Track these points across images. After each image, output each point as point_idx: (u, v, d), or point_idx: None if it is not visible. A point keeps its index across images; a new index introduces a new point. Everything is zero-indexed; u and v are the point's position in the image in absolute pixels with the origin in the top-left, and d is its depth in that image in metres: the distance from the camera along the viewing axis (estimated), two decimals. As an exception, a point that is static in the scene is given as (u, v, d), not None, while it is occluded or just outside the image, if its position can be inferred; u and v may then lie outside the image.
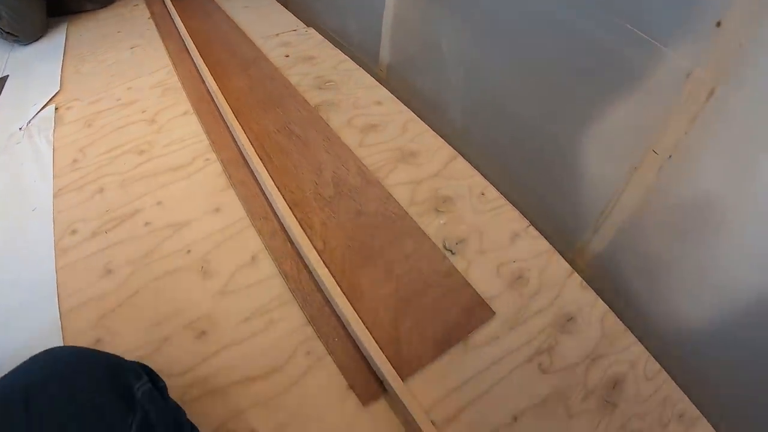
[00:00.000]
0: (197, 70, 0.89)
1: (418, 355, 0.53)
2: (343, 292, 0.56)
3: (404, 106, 0.83)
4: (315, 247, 0.60)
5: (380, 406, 0.50)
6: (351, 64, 0.90)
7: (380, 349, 0.51)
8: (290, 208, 0.64)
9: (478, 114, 0.87)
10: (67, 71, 0.99)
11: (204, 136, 0.77)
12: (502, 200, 0.70)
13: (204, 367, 0.52)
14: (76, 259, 0.63)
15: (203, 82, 0.86)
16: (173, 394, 0.49)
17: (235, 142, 0.75)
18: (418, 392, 0.50)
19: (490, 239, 0.65)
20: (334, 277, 0.57)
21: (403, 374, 0.50)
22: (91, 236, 0.66)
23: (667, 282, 0.61)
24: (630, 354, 0.55)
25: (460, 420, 0.49)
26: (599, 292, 0.62)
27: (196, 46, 0.93)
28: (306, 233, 0.62)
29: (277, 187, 0.66)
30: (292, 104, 0.82)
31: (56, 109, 0.89)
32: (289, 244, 0.62)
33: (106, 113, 0.85)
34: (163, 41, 1.03)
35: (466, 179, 0.73)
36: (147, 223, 0.66)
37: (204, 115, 0.81)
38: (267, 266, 0.61)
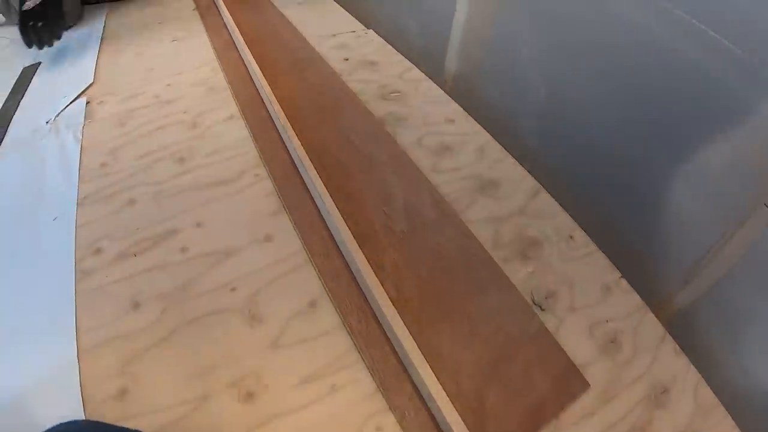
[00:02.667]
0: (246, 68, 0.80)
1: (509, 438, 0.43)
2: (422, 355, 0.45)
3: (478, 125, 0.72)
4: (388, 295, 0.49)
5: None
6: (417, 73, 0.80)
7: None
8: (358, 244, 0.54)
9: (557, 139, 0.76)
10: (102, 63, 0.91)
11: (252, 146, 0.68)
12: (592, 246, 0.59)
13: (251, 440, 0.42)
14: (98, 284, 0.54)
15: (252, 82, 0.77)
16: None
17: (289, 155, 0.65)
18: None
19: (581, 293, 0.54)
20: (410, 334, 0.47)
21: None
22: (117, 258, 0.56)
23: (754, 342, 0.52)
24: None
25: None
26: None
27: (245, 41, 0.83)
28: (377, 276, 0.51)
29: (342, 217, 0.55)
30: (353, 114, 0.72)
31: (87, 102, 0.80)
32: (355, 289, 0.52)
33: (142, 111, 0.76)
34: (208, 34, 0.95)
35: (552, 218, 0.62)
36: (183, 249, 0.56)
37: (253, 121, 0.71)
38: (328, 316, 0.51)
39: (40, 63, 1.01)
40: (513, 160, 0.68)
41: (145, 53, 0.92)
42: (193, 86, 0.79)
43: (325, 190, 0.58)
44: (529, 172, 0.69)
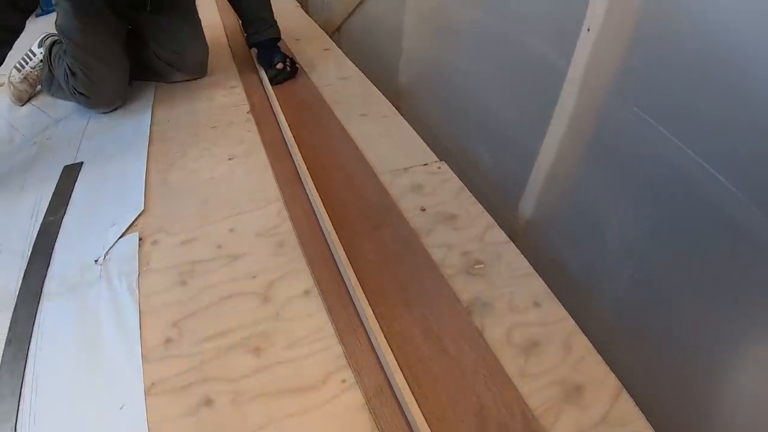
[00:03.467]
0: (315, 215, 0.76)
1: None
2: None
3: (563, 310, 0.70)
4: None
5: None
6: (498, 233, 0.77)
7: None
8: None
9: (639, 318, 0.74)
10: (152, 178, 0.87)
11: (335, 339, 0.64)
12: (665, 456, 0.58)
13: None
14: None
15: (324, 237, 0.73)
16: None
17: (376, 355, 0.61)
18: None
19: None
20: None
21: None
22: (200, 480, 0.53)
23: None
24: None
25: None
26: None
27: (312, 178, 0.79)
28: None
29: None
30: (440, 300, 0.68)
31: (140, 239, 0.75)
32: None
33: (204, 266, 0.71)
34: (267, 154, 0.91)
35: (630, 425, 0.60)
36: (274, 480, 0.53)
37: (331, 301, 0.67)
38: None
39: (82, 163, 0.95)
40: (598, 358, 0.66)
41: (198, 172, 0.88)
42: (258, 237, 0.75)
43: (422, 418, 0.55)
44: (595, 342, 0.68)
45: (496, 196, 1.00)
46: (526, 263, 0.75)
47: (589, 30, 0.72)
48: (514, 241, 0.79)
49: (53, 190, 0.90)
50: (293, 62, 1.19)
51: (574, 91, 0.77)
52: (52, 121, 1.12)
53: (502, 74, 0.93)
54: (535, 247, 0.88)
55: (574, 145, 0.81)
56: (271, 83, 1.13)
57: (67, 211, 0.85)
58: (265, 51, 1.20)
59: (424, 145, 0.93)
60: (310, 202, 0.79)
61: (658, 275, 0.73)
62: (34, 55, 1.20)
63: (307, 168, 0.83)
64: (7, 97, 1.22)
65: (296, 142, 0.90)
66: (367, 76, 1.23)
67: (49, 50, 1.14)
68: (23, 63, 1.20)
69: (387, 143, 0.94)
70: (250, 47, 1.26)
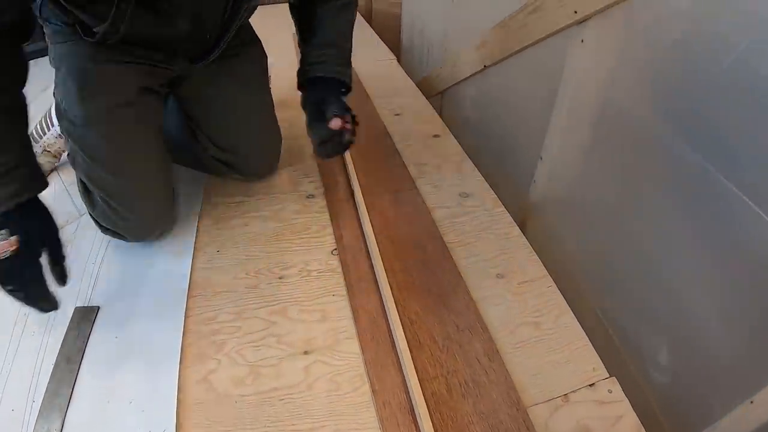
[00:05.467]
0: None
1: None
2: None
3: None
4: None
5: None
6: None
7: None
8: None
9: None
10: (190, 372, 0.59)
11: None
12: None
13: None
14: None
15: None
16: None
17: None
18: None
19: None
20: None
21: None
22: None
23: None
24: None
25: None
26: None
27: (430, 413, 0.51)
28: None
29: None
30: None
31: None
32: None
33: None
34: (364, 361, 0.58)
35: None
36: None
37: None
38: None
39: (98, 308, 0.69)
40: None
41: (259, 371, 0.58)
42: None
43: None
44: None
45: (667, 415, 0.69)
46: None
47: None
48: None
49: (59, 348, 0.66)
50: (354, 119, 0.72)
51: None
52: (74, 213, 0.84)
53: (710, 257, 0.60)
54: None
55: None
56: (317, 153, 0.73)
57: (73, 398, 0.60)
58: (319, 94, 0.74)
59: (590, 346, 0.61)
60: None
61: None
62: (53, 124, 0.88)
63: (423, 388, 0.54)
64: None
65: (405, 329, 0.59)
66: (480, 170, 0.90)
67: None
68: (40, 133, 0.89)
69: (536, 340, 0.62)
70: (299, 86, 0.79)
